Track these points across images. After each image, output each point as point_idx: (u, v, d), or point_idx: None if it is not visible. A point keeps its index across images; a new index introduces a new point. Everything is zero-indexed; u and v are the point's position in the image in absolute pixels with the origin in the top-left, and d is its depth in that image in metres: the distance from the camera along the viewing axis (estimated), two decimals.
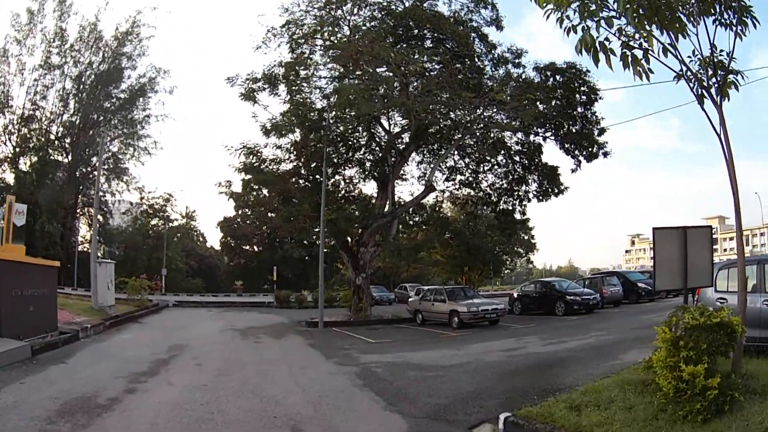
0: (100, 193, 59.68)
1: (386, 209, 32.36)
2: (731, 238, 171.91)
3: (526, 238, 70.57)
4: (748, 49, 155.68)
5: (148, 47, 69.48)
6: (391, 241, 32.89)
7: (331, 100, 28.55)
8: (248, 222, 72.69)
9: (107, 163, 61.26)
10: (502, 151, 34.32)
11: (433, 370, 13.73)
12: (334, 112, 28.98)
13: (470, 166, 36.73)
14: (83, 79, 60.03)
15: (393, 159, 32.64)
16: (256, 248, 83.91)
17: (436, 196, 38.28)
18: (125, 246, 72.84)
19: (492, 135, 32.48)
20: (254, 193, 33.79)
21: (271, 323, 31.66)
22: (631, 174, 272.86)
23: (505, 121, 29.29)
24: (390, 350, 18.51)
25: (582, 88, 31.35)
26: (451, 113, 28.90)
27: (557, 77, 31.25)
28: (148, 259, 68.37)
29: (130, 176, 66.03)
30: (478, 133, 32.28)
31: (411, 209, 35.55)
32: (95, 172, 55.54)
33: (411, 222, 37.33)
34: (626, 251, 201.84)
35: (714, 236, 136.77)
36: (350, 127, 31.30)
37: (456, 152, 35.13)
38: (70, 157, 62.37)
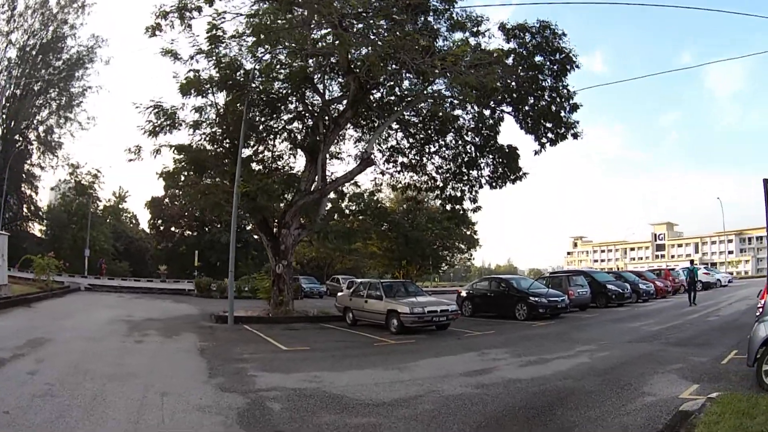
0: (31, 168, 65.07)
1: (315, 185, 28.74)
2: (680, 245, 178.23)
3: (468, 233, 68.70)
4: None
5: (90, 14, 68.54)
6: (319, 222, 28.52)
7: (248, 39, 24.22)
8: (176, 203, 70.87)
9: (40, 136, 62.90)
10: (452, 131, 31.65)
11: (364, 413, 9.17)
12: (257, 66, 25.46)
13: (415, 147, 33.48)
14: (27, 49, 58.47)
15: (325, 127, 28.85)
16: (184, 231, 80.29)
17: (375, 179, 35.00)
18: (51, 224, 69.90)
19: (440, 113, 29.29)
20: (185, 172, 29.16)
21: (176, 315, 28.51)
22: (575, 177, 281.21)
23: (456, 100, 27.40)
24: (303, 366, 13.97)
25: (554, 55, 27.95)
26: (395, 67, 24.97)
27: (526, 40, 27.78)
28: (74, 239, 64.81)
29: (64, 152, 65.74)
30: (424, 111, 30.41)
31: (347, 194, 32.92)
32: (29, 145, 61.13)
33: (347, 211, 32.89)
34: (568, 253, 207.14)
35: (663, 242, 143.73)
36: (278, 87, 27.76)
37: (399, 130, 32.73)
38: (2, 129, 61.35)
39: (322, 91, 29.24)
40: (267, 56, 25.06)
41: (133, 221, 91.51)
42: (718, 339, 17.38)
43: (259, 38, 22.39)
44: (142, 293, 46.54)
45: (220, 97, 26.96)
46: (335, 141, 31.41)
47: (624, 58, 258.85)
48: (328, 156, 30.50)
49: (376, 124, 31.53)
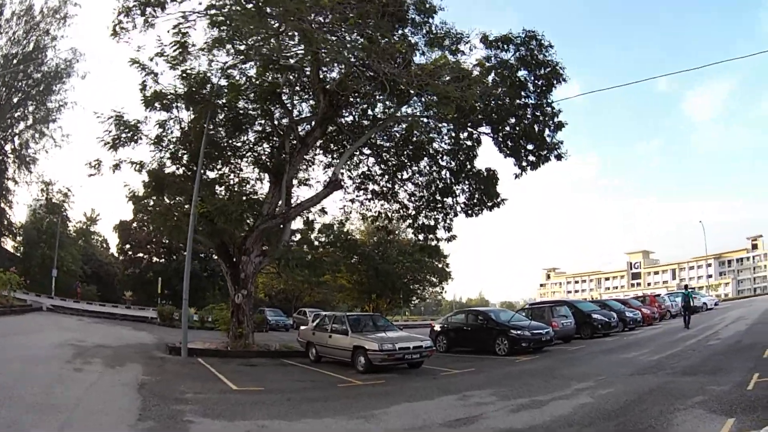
0: (5, 181, 63.80)
1: (279, 209, 27.01)
2: (656, 272, 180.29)
3: (440, 266, 67.00)
4: None
5: (70, 26, 65.46)
6: (281, 248, 26.91)
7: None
8: (143, 228, 70.42)
9: (15, 149, 62.77)
10: (426, 156, 30.26)
11: None
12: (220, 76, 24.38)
13: (387, 173, 31.88)
14: (9, 57, 58.41)
15: (292, 147, 27.23)
16: (152, 257, 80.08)
17: (344, 207, 33.37)
18: (24, 241, 69.61)
19: (414, 137, 28.66)
20: (153, 197, 27.93)
21: (130, 343, 26.92)
22: (547, 207, 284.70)
23: (432, 123, 27.07)
24: (252, 411, 12.06)
25: (539, 69, 26.44)
26: (368, 87, 24.07)
27: (509, 55, 26.35)
28: (42, 257, 64.75)
29: (39, 168, 65.94)
30: (398, 135, 29.32)
31: (317, 225, 32.63)
32: (5, 158, 61.26)
33: (317, 242, 33.03)
34: (541, 285, 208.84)
35: (638, 271, 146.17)
36: (244, 105, 26.40)
37: (371, 156, 31.32)
38: None
39: (290, 108, 27.97)
40: (235, 66, 24.39)
41: (104, 245, 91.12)
42: (729, 363, 15.93)
43: (221, 29, 21.80)
44: (103, 318, 45.05)
45: (185, 114, 25.79)
46: (302, 163, 30.12)
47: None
48: (296, 182, 29.76)
49: (345, 142, 30.21)
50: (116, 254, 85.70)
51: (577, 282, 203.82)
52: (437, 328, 29.21)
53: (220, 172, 28.82)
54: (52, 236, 65.48)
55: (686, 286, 41.23)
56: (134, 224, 73.90)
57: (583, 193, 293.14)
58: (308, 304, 65.29)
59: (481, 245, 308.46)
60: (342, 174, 29.47)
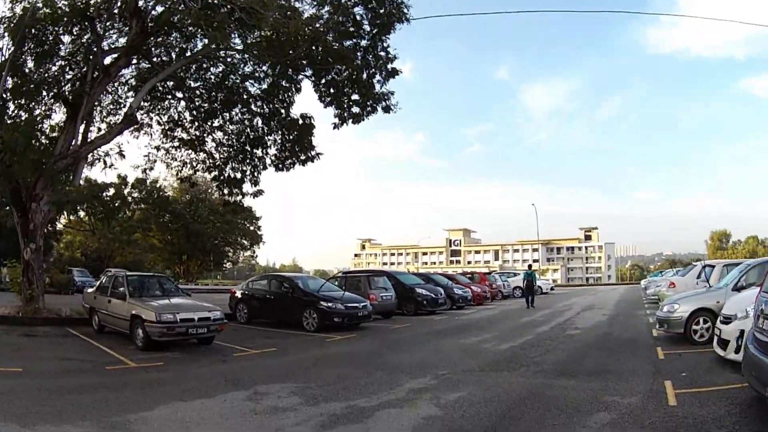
0: None
1: (72, 148, 24.18)
2: (477, 252, 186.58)
3: (252, 228, 70.86)
4: None
5: None
6: (66, 190, 23.52)
7: None
8: None
9: None
10: (240, 103, 28.39)
11: None
12: None
13: (197, 120, 29.80)
14: None
15: (94, 75, 24.12)
16: None
17: (149, 155, 30.77)
18: None
19: (229, 82, 27.59)
20: None
21: None
22: (366, 178, 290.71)
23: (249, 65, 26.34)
24: None
25: (381, 7, 24.20)
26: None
27: None
28: None
29: None
30: (213, 78, 27.82)
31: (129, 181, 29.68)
32: None
33: (130, 198, 32.12)
34: (356, 255, 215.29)
35: (458, 248, 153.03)
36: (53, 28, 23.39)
37: (183, 100, 29.28)
38: None
39: (101, 34, 24.54)
40: None
41: None
42: (618, 363, 13.41)
43: None
44: None
45: None
46: (104, 98, 27.77)
47: (435, 68, 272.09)
48: (102, 122, 27.76)
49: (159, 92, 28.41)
50: None
51: (393, 254, 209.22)
52: (238, 294, 25.83)
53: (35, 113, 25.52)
54: None
55: (530, 266, 42.18)
56: None
57: (406, 168, 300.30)
58: (120, 265, 60.21)
59: (297, 212, 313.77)
60: (137, 105, 26.59)
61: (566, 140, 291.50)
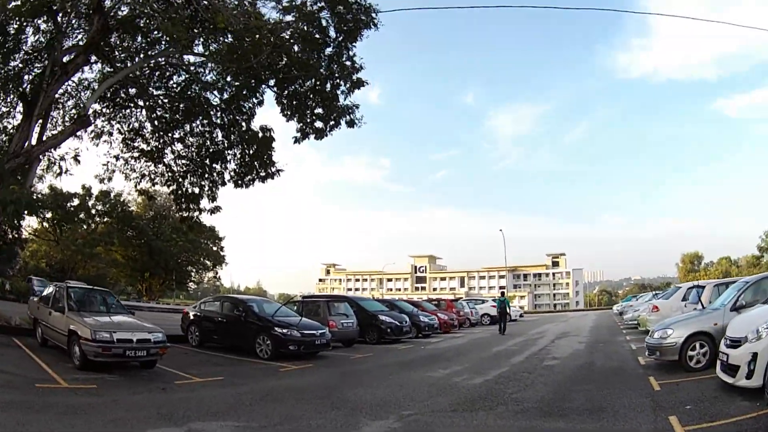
0: None
1: (26, 147, 23.37)
2: (443, 278, 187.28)
3: (215, 249, 70.20)
4: None
5: None
6: (11, 189, 21.91)
7: None
8: None
9: None
10: (202, 114, 27.54)
11: None
12: None
13: (158, 131, 28.88)
14: None
15: (52, 71, 23.47)
16: None
17: (108, 164, 29.70)
18: None
19: (191, 92, 26.79)
20: None
21: None
22: (331, 205, 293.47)
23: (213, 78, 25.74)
24: None
25: (348, 12, 23.33)
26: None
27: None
28: None
29: None
30: (176, 87, 27.13)
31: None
32: None
33: (93, 210, 32.84)
34: (320, 280, 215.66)
35: (423, 275, 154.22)
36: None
37: (145, 109, 28.33)
38: None
39: (63, 29, 24.06)
40: None
41: None
42: (610, 399, 11.76)
43: None
44: None
45: None
46: (66, 102, 27.27)
47: (402, 94, 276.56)
48: (63, 126, 26.19)
49: (129, 92, 27.64)
50: None
51: (358, 280, 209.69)
52: (191, 315, 24.17)
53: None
54: None
55: (503, 293, 39.73)
56: None
57: (372, 194, 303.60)
58: (82, 278, 55.21)
59: (262, 235, 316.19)
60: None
61: (534, 166, 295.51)
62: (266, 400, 12.40)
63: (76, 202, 28.58)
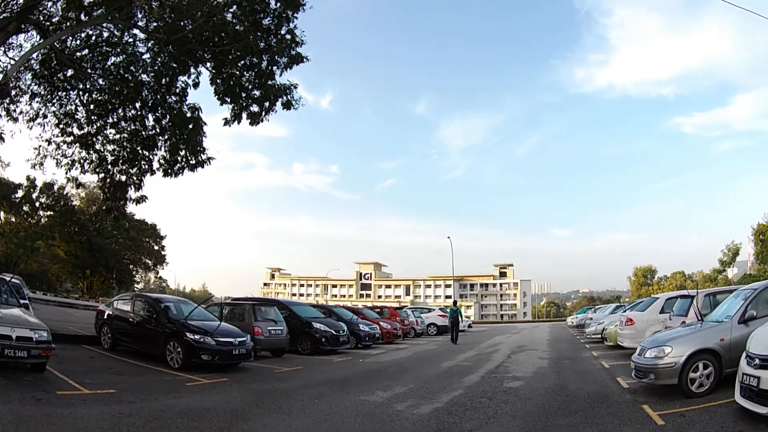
0: None
1: None
2: (388, 286, 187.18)
3: (156, 248, 71.42)
4: None
5: None
6: None
7: None
8: None
9: None
10: (138, 101, 26.54)
11: None
12: None
13: (92, 116, 27.15)
14: None
15: None
16: None
17: (39, 148, 27.96)
18: None
19: (128, 74, 25.58)
20: None
21: None
22: (278, 210, 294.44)
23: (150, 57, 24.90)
24: None
25: None
26: None
27: None
28: None
29: None
30: (113, 70, 25.70)
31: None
32: None
33: (38, 203, 31.25)
34: (265, 284, 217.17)
35: (369, 282, 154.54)
36: None
37: (82, 92, 26.74)
38: None
39: None
40: None
41: None
42: None
43: None
44: None
45: None
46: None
47: (354, 101, 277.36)
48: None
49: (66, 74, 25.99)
50: None
51: (302, 285, 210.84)
52: (106, 314, 21.37)
53: None
54: None
55: (455, 302, 39.60)
56: None
57: (319, 200, 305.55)
58: (23, 273, 57.97)
59: (208, 237, 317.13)
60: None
61: (484, 177, 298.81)
62: (148, 427, 9.85)
63: (20, 193, 27.16)
